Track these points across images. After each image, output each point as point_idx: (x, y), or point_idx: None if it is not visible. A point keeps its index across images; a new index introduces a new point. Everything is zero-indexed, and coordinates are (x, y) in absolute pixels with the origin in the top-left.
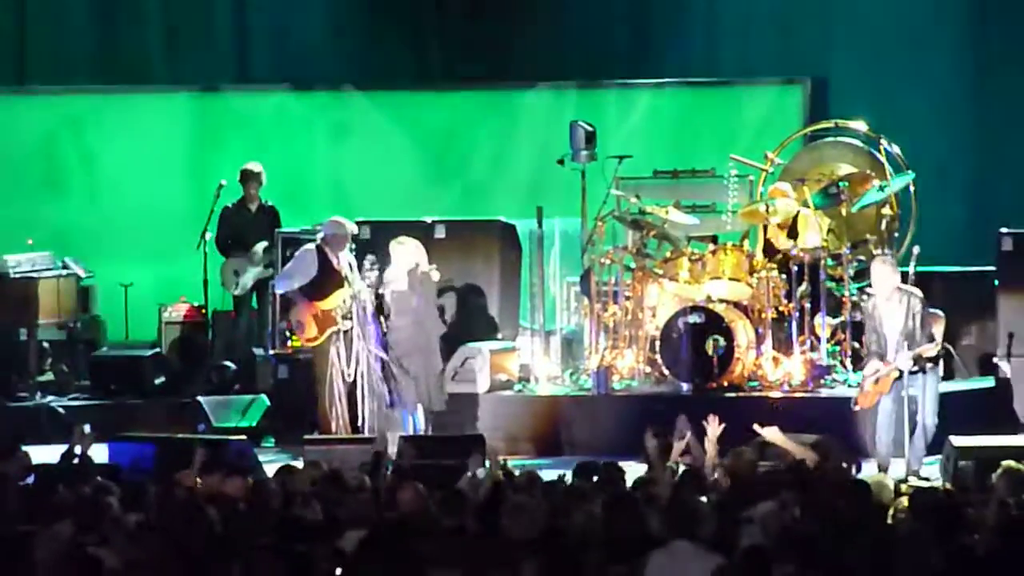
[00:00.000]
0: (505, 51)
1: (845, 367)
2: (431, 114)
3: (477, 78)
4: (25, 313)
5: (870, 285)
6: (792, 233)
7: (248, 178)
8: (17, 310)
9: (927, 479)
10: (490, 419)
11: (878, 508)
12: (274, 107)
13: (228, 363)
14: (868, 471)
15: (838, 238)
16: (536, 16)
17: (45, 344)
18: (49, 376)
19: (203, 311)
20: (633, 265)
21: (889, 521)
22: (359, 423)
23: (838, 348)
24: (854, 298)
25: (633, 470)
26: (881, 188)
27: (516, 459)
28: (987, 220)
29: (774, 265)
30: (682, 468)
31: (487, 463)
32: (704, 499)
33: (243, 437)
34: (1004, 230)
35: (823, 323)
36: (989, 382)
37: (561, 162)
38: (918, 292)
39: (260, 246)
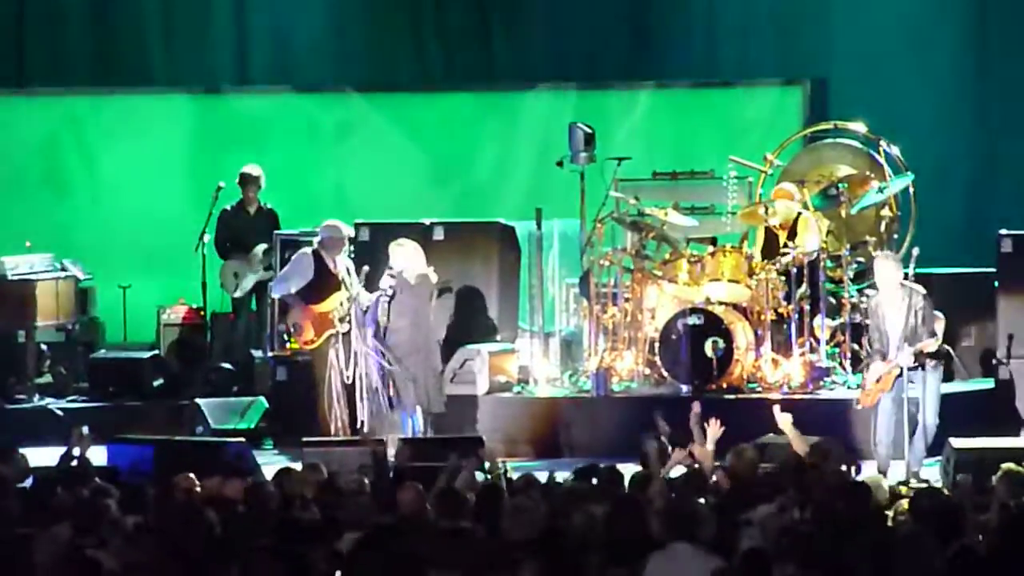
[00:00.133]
0: (505, 52)
1: (844, 369)
2: (430, 116)
3: (477, 80)
4: (23, 315)
5: (870, 286)
6: (791, 235)
7: (246, 182)
8: (15, 312)
9: (927, 481)
10: (489, 421)
11: (877, 510)
12: (274, 109)
13: (227, 365)
14: (867, 473)
15: (837, 240)
16: (536, 17)
17: (43, 346)
18: (48, 378)
19: (202, 313)
20: (632, 267)
21: (889, 523)
22: (358, 425)
23: (837, 350)
24: (853, 300)
25: (632, 472)
26: (880, 189)
27: (515, 461)
28: (987, 221)
29: (773, 267)
30: (682, 470)
31: (486, 465)
32: (703, 501)
33: (242, 439)
34: (1004, 232)
35: (822, 325)
36: (989, 384)
37: (560, 164)
38: (921, 289)
39: (259, 248)
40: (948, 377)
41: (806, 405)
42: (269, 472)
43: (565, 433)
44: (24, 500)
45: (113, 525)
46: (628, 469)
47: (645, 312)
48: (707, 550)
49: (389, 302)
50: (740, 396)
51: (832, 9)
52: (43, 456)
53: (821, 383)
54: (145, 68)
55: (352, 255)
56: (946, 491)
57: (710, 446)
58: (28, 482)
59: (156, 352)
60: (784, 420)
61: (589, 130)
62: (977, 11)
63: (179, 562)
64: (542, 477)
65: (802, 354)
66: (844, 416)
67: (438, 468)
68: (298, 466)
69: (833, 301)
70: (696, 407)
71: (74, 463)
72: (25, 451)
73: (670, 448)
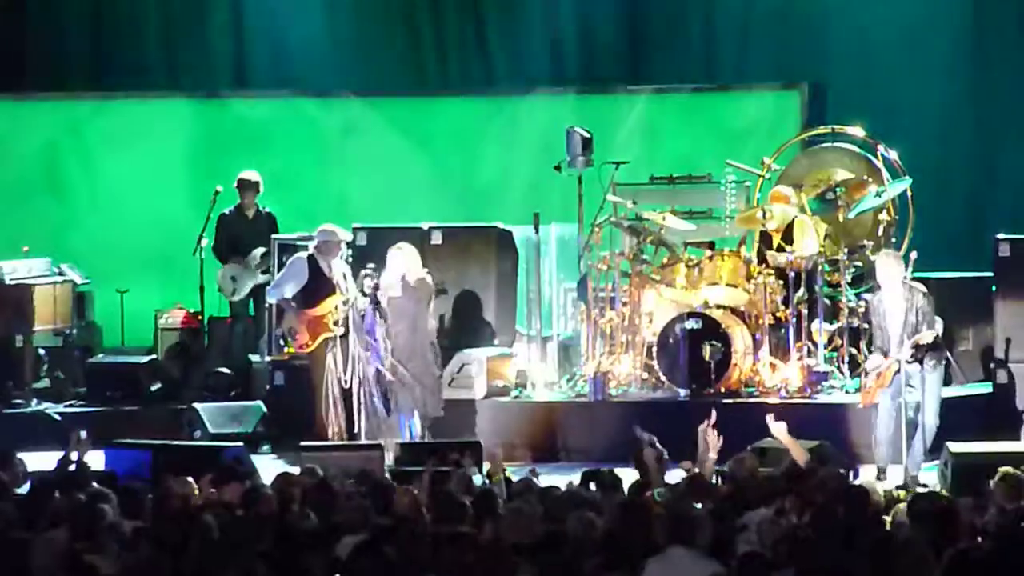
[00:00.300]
0: (503, 57)
1: (842, 373)
2: (429, 120)
3: (475, 84)
4: (21, 320)
5: (868, 290)
6: (788, 239)
7: (244, 187)
8: (13, 316)
9: (924, 485)
10: (487, 425)
11: (875, 514)
12: (273, 113)
13: (224, 370)
14: (865, 477)
15: (835, 243)
16: (533, 22)
17: (41, 351)
18: (45, 383)
19: (199, 318)
20: (630, 271)
21: (887, 527)
22: (355, 429)
23: (835, 354)
24: (851, 304)
25: (630, 476)
26: (878, 193)
27: (513, 465)
28: (985, 225)
29: (771, 271)
30: (681, 475)
31: (485, 468)
32: (699, 506)
33: (239, 444)
34: (1001, 236)
35: (820, 329)
36: (987, 388)
37: (558, 168)
38: (922, 287)
39: (257, 252)
40: (946, 381)
41: (804, 409)
42: (267, 477)
43: (563, 437)
44: (21, 505)
45: (110, 530)
46: (625, 473)
47: (643, 316)
48: (704, 554)
49: (375, 308)
50: (738, 400)
51: (830, 13)
52: (40, 461)
53: (819, 387)
54: (144, 73)
55: (350, 259)
56: (944, 494)
57: (712, 455)
58: (25, 487)
59: (154, 357)
60: (779, 429)
61: (587, 134)
62: (974, 17)
63: (176, 567)
64: (540, 481)
65: (800, 358)
66: (842, 420)
67: (439, 473)
68: (296, 470)
69: (830, 305)
70: (712, 416)
71: (72, 468)
72: (22, 455)
73: (665, 454)
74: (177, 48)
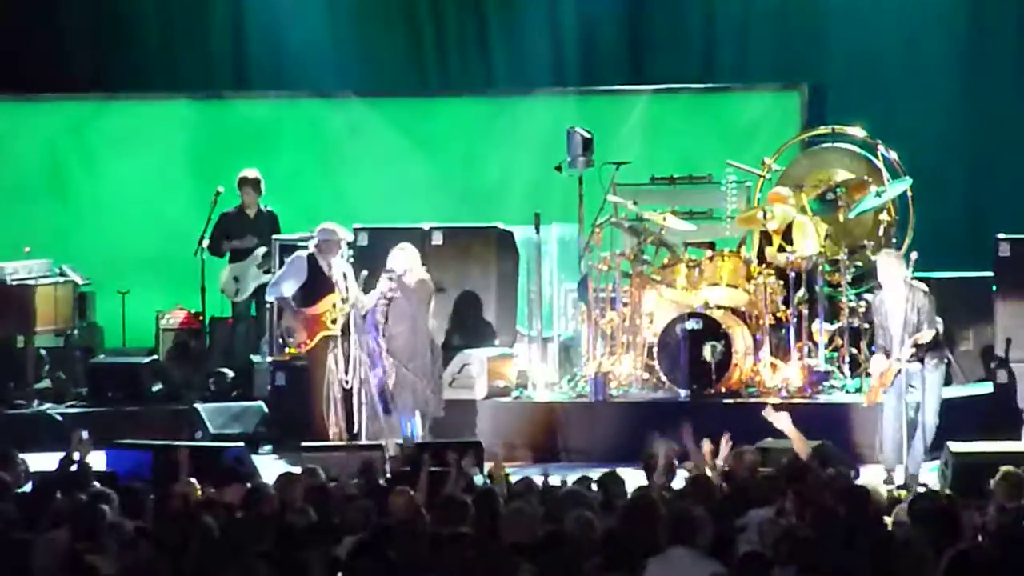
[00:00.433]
0: (504, 57)
1: (843, 373)
2: (430, 120)
3: (476, 85)
4: (22, 320)
5: (868, 290)
6: (788, 239)
7: (245, 185)
8: (14, 317)
9: (925, 485)
10: (488, 425)
11: (876, 514)
12: (274, 114)
13: (226, 370)
14: (867, 477)
15: (835, 244)
16: (534, 23)
17: (42, 351)
18: (46, 383)
19: (200, 318)
20: (630, 271)
21: (888, 527)
22: (356, 430)
23: (836, 354)
24: (852, 304)
25: (631, 477)
26: (878, 194)
27: (513, 465)
28: (985, 225)
29: (771, 271)
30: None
31: (485, 469)
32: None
33: (240, 444)
34: (1001, 235)
35: (821, 329)
36: (988, 387)
37: (559, 168)
38: (923, 287)
39: (259, 251)
40: (947, 380)
41: (805, 409)
42: (269, 477)
43: (564, 438)
44: (23, 505)
45: (112, 530)
46: (626, 474)
47: (643, 316)
48: (705, 554)
49: (388, 305)
50: (738, 400)
51: (830, 14)
52: (42, 461)
53: (819, 387)
54: (145, 74)
55: (351, 259)
56: (946, 492)
57: (720, 461)
58: (27, 487)
59: (155, 357)
60: (782, 419)
61: (587, 135)
62: (973, 18)
63: (177, 567)
64: (552, 481)
65: (800, 358)
66: (842, 420)
67: (439, 473)
68: (297, 471)
69: (831, 305)
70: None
71: (73, 468)
72: (24, 456)
73: (676, 462)
74: (178, 49)
